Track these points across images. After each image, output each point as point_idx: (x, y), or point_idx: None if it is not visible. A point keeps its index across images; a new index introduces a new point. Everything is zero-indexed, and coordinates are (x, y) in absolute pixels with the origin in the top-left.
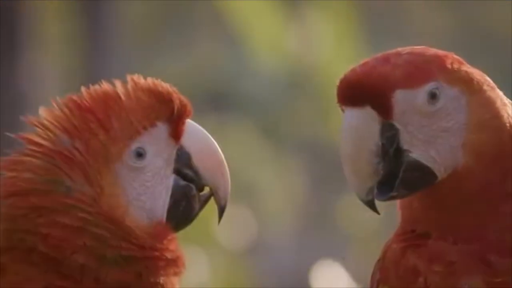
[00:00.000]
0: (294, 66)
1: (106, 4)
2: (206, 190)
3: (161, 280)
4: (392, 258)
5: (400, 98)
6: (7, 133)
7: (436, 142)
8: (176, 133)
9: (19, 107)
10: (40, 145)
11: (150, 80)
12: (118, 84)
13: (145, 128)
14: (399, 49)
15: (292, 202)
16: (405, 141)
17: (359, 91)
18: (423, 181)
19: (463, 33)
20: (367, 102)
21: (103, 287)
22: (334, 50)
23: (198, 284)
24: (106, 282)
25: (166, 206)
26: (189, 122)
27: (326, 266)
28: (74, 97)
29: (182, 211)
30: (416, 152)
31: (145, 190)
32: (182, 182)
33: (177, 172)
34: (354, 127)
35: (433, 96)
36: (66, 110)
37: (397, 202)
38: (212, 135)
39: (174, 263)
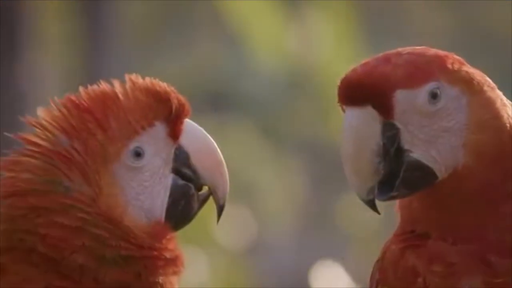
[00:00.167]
0: (294, 66)
1: (106, 4)
2: (205, 189)
3: (160, 279)
4: (391, 258)
5: (401, 97)
6: (6, 133)
7: (436, 142)
8: (174, 133)
9: (19, 107)
10: (39, 145)
11: (148, 80)
12: (116, 84)
13: (143, 127)
14: (400, 49)
15: (292, 202)
16: (406, 140)
17: (360, 91)
18: (423, 181)
19: (463, 33)
20: (368, 102)
21: (102, 287)
22: (334, 50)
23: (198, 284)
24: (105, 282)
25: (165, 206)
26: (188, 122)
27: (326, 266)
28: (72, 97)
29: (181, 211)
30: (417, 152)
31: (143, 190)
32: (181, 182)
33: (176, 171)
34: (355, 127)
35: (434, 96)
36: (64, 110)
37: (397, 202)
38: (212, 135)
39: (173, 263)
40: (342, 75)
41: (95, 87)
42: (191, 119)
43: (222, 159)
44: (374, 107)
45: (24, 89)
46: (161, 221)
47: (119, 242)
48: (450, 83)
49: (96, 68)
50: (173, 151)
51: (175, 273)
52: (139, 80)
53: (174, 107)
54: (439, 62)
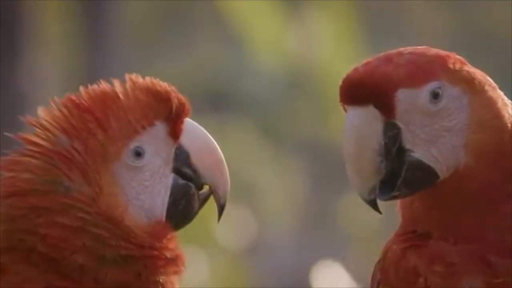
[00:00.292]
0: (294, 66)
1: (106, 4)
2: (206, 188)
3: (161, 279)
4: (393, 258)
5: (402, 97)
6: (6, 133)
7: (438, 141)
8: (174, 132)
9: (19, 107)
10: (39, 145)
11: (148, 79)
12: (117, 83)
13: (143, 127)
14: (401, 49)
15: (292, 202)
16: (407, 140)
17: (362, 90)
18: (425, 181)
19: (463, 33)
20: (370, 101)
21: (102, 287)
22: (334, 50)
23: (198, 284)
24: (105, 282)
25: (165, 205)
26: (188, 121)
27: (326, 266)
28: (73, 97)
29: (181, 210)
30: (418, 151)
31: (144, 190)
32: (181, 181)
33: (176, 171)
34: (357, 126)
35: (435, 96)
36: (64, 110)
37: (398, 202)
38: (212, 135)
39: (174, 262)
40: (343, 75)
41: (95, 86)
42: (191, 119)
43: (223, 158)
44: (376, 106)
45: (24, 89)
46: (162, 220)
47: (119, 242)
48: (452, 83)
49: (96, 68)
50: (173, 150)
51: (175, 272)
52: (139, 79)
53: (174, 106)
54: (441, 62)
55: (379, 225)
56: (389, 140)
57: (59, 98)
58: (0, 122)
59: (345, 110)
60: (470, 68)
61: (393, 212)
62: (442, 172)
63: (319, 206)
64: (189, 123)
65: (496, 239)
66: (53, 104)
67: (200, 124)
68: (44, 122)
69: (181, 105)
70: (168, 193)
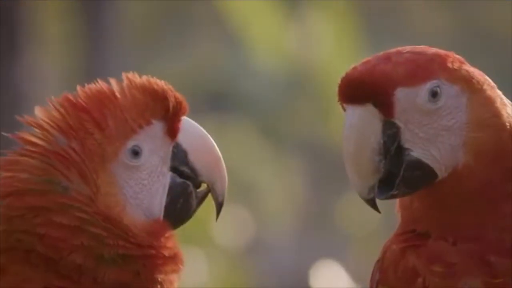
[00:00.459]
0: (294, 66)
1: (106, 4)
2: (203, 187)
3: (160, 278)
4: (392, 258)
5: (401, 96)
6: (5, 133)
7: (437, 140)
8: (172, 131)
9: (19, 107)
10: (37, 145)
11: (145, 78)
12: (113, 82)
13: (140, 126)
14: (400, 48)
15: (292, 202)
16: (406, 139)
17: (361, 89)
18: (423, 180)
19: (463, 33)
20: (369, 100)
21: (101, 287)
22: (334, 50)
23: (198, 285)
24: (104, 281)
25: (163, 204)
26: (185, 119)
27: (326, 266)
28: (70, 96)
29: (179, 209)
30: (417, 150)
31: (141, 188)
32: (179, 180)
33: (174, 169)
34: (356, 125)
35: (434, 94)
36: (61, 109)
37: (397, 202)
38: (212, 135)
39: (172, 261)
40: (343, 74)
41: (92, 86)
42: (191, 118)
43: (220, 156)
44: (375, 105)
45: (24, 89)
46: (160, 219)
47: (118, 241)
48: (450, 82)
49: (96, 68)
50: (171, 149)
51: (174, 271)
52: (136, 78)
53: (171, 105)
54: (440, 61)
55: (378, 225)
56: (388, 139)
57: (58, 98)
58: (0, 122)
59: (344, 109)
60: (468, 68)
61: (392, 212)
62: (441, 171)
63: (319, 206)
64: (187, 122)
65: (496, 239)
66: (50, 104)
67: (200, 124)
68: (42, 122)
69: (178, 103)
70: (166, 191)
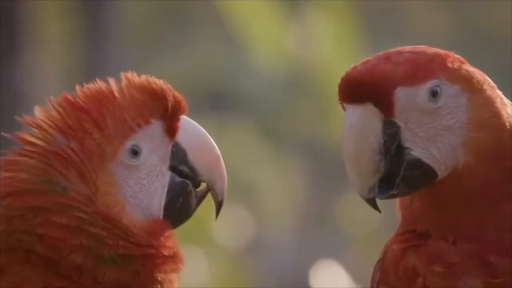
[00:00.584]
0: (294, 66)
1: (106, 4)
2: (203, 186)
3: (160, 277)
4: (392, 258)
5: (401, 95)
6: (4, 134)
7: (437, 140)
8: (171, 130)
9: (19, 107)
10: (35, 145)
11: (143, 78)
12: (112, 82)
13: (139, 125)
14: (400, 48)
15: (292, 202)
16: (406, 138)
17: (361, 88)
18: (423, 179)
19: (463, 33)
20: (369, 99)
21: (101, 287)
22: (334, 50)
23: (198, 284)
24: (104, 281)
25: (163, 203)
26: (184, 118)
27: (326, 266)
28: (69, 96)
29: (179, 208)
30: (417, 150)
31: (141, 188)
32: (178, 179)
33: (173, 169)
34: (356, 125)
35: (434, 94)
36: (60, 109)
37: (397, 202)
38: (212, 135)
39: (172, 260)
40: (343, 74)
41: (91, 85)
42: (190, 118)
43: (219, 155)
44: (375, 104)
45: (24, 89)
46: (159, 218)
47: (117, 241)
48: (450, 81)
49: (96, 68)
50: (170, 148)
51: (174, 270)
52: (134, 78)
53: (170, 104)
54: (439, 60)
55: (378, 225)
56: (388, 138)
57: (58, 98)
58: (0, 122)
59: (344, 108)
60: (468, 67)
61: (392, 211)
62: (441, 171)
63: (319, 206)
64: (186, 121)
65: (496, 239)
66: (49, 104)
67: (200, 124)
68: (41, 122)
69: (177, 102)
70: (165, 191)
